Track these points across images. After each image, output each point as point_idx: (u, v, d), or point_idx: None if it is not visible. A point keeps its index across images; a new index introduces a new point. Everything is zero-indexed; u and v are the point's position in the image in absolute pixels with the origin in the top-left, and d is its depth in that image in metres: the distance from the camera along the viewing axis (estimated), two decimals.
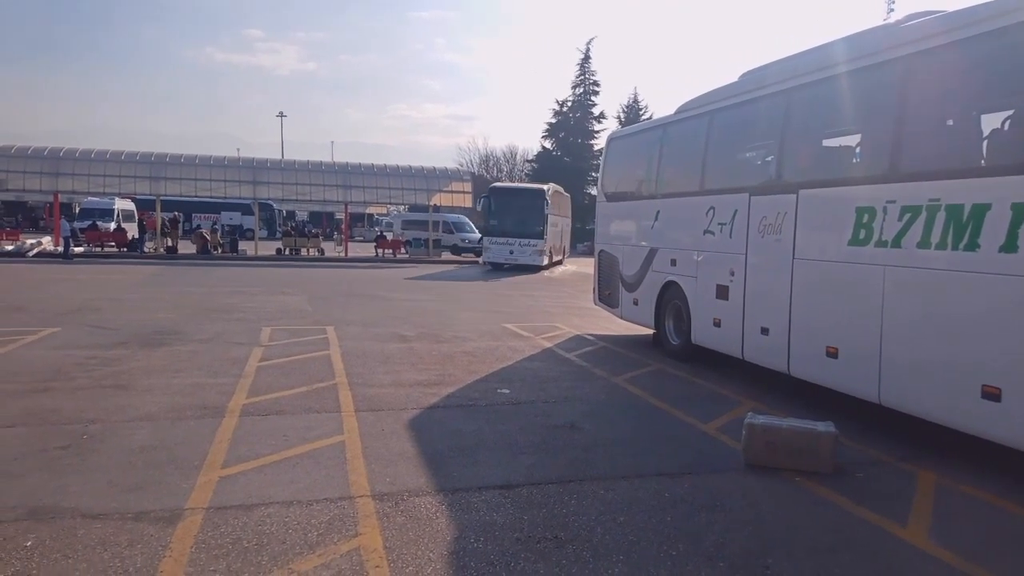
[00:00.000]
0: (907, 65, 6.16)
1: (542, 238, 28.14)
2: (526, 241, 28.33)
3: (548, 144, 55.86)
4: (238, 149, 72.41)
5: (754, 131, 8.63)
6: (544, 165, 54.39)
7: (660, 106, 66.28)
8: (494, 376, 8.58)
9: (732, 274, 8.37)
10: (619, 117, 56.40)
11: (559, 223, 32.21)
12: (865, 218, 6.33)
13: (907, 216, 5.89)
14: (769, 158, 8.26)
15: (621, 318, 11.89)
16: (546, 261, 29.03)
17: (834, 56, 7.19)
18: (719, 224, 8.68)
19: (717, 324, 8.73)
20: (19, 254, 28.48)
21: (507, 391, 7.83)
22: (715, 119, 9.16)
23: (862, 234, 6.37)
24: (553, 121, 55.41)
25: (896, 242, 6.00)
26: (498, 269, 28.68)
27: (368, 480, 4.96)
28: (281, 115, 74.13)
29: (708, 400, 7.81)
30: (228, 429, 6.04)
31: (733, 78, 9.25)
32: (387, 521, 4.32)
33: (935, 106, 6.12)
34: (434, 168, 36.08)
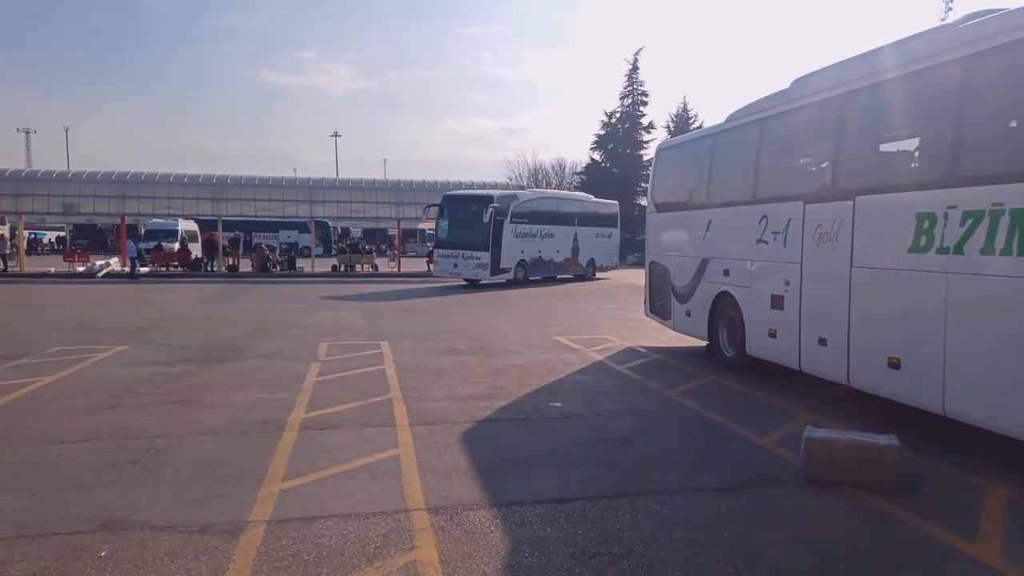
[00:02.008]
0: (967, 66, 5.98)
1: (486, 250, 25.11)
2: (469, 253, 25.62)
3: (597, 156, 55.78)
4: (295, 169, 74.39)
5: (808, 138, 8.48)
6: (593, 177, 54.28)
7: (710, 115, 65.43)
8: (546, 389, 8.60)
9: (787, 283, 8.21)
10: (668, 127, 55.97)
11: (572, 234, 29.39)
12: (925, 224, 6.14)
13: (969, 222, 5.70)
14: (824, 165, 8.10)
15: (673, 330, 11.77)
16: (494, 276, 25.55)
17: (890, 59, 7.02)
18: (773, 233, 8.53)
19: (772, 335, 8.57)
20: (89, 275, 29.75)
21: (559, 404, 7.84)
22: (767, 126, 9.04)
23: (923, 241, 6.18)
24: (602, 132, 55.33)
25: (958, 248, 5.80)
26: (544, 281, 28.27)
27: (423, 493, 5.03)
28: (335, 134, 76.13)
29: (764, 413, 7.66)
30: (288, 443, 6.20)
31: (784, 85, 9.12)
32: (442, 535, 4.36)
33: (997, 107, 5.92)
34: (483, 183, 36.44)
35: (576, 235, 29.74)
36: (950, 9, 34.89)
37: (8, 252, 33.02)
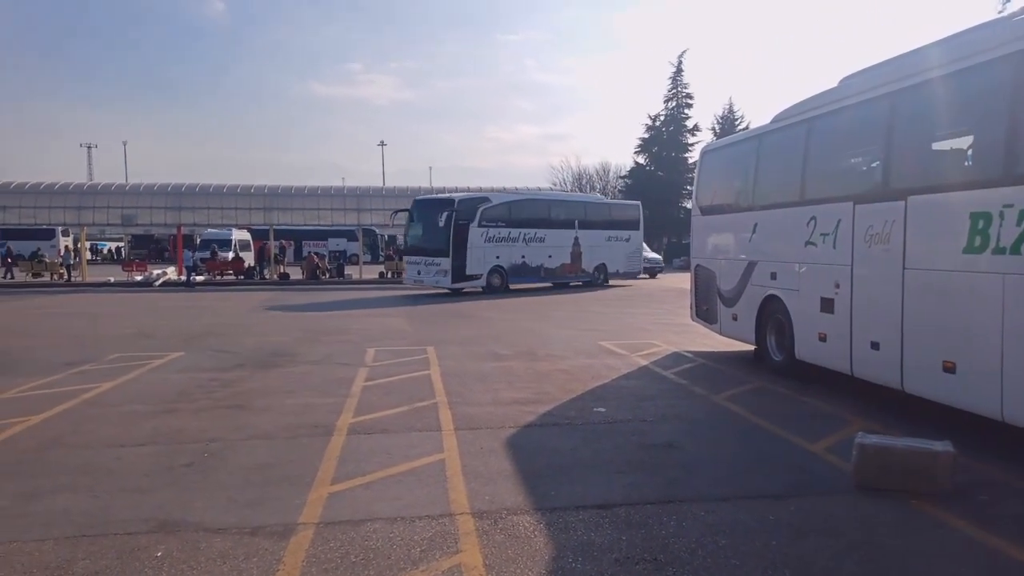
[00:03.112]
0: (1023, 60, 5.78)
1: (446, 256, 23.73)
2: (430, 260, 24.37)
3: (641, 159, 55.43)
4: (343, 179, 75.86)
5: (857, 137, 8.28)
6: (638, 180, 53.96)
7: (757, 116, 64.37)
8: (590, 394, 8.58)
9: (837, 286, 8.03)
10: (714, 129, 55.27)
11: (571, 237, 27.38)
12: (980, 224, 5.95)
13: None
14: (874, 164, 7.90)
15: (720, 334, 11.61)
16: (457, 284, 24.11)
17: (943, 55, 6.83)
18: (821, 235, 8.36)
19: (822, 339, 8.39)
20: (147, 284, 30.79)
21: (603, 410, 7.81)
22: (815, 126, 8.87)
23: (977, 241, 5.99)
24: (646, 136, 54.96)
25: (1015, 248, 5.60)
26: (586, 287, 27.78)
27: (468, 498, 5.07)
28: (382, 144, 77.16)
29: (814, 419, 7.50)
30: (337, 447, 6.33)
31: (832, 84, 8.93)
32: (487, 539, 4.40)
33: None
34: (526, 187, 36.54)
35: (577, 239, 27.51)
36: (1008, 1, 33.68)
37: (72, 262, 34.42)
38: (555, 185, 64.28)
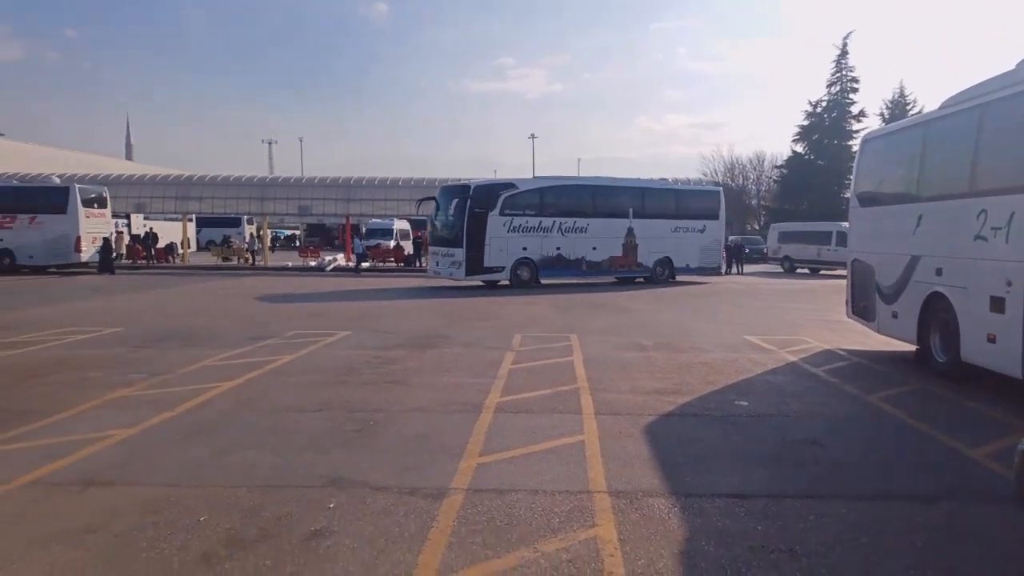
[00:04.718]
0: None
1: (459, 246, 22.25)
2: (446, 251, 23.00)
3: (799, 147, 52.37)
4: (495, 171, 77.86)
5: None
6: (794, 170, 51.14)
7: (932, 99, 58.76)
8: (732, 388, 8.52)
9: (1009, 284, 7.44)
10: (882, 114, 50.98)
11: (625, 227, 24.71)
12: None
13: None
14: None
15: (878, 332, 11.01)
16: (472, 276, 22.56)
17: None
18: (993, 228, 7.76)
19: (992, 340, 7.80)
20: (319, 269, 33.59)
21: (745, 403, 7.76)
22: (988, 112, 8.20)
23: None
24: (805, 123, 51.79)
25: None
26: (726, 274, 26.67)
27: (605, 478, 5.32)
28: (532, 136, 78.31)
29: (977, 423, 7.04)
30: (485, 423, 6.80)
31: (1008, 67, 8.21)
32: (622, 516, 4.63)
33: None
34: (675, 178, 35.84)
35: (631, 229, 24.72)
36: None
37: (256, 248, 38.21)
38: (705, 175, 62.36)
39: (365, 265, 33.83)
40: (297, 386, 8.42)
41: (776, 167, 59.26)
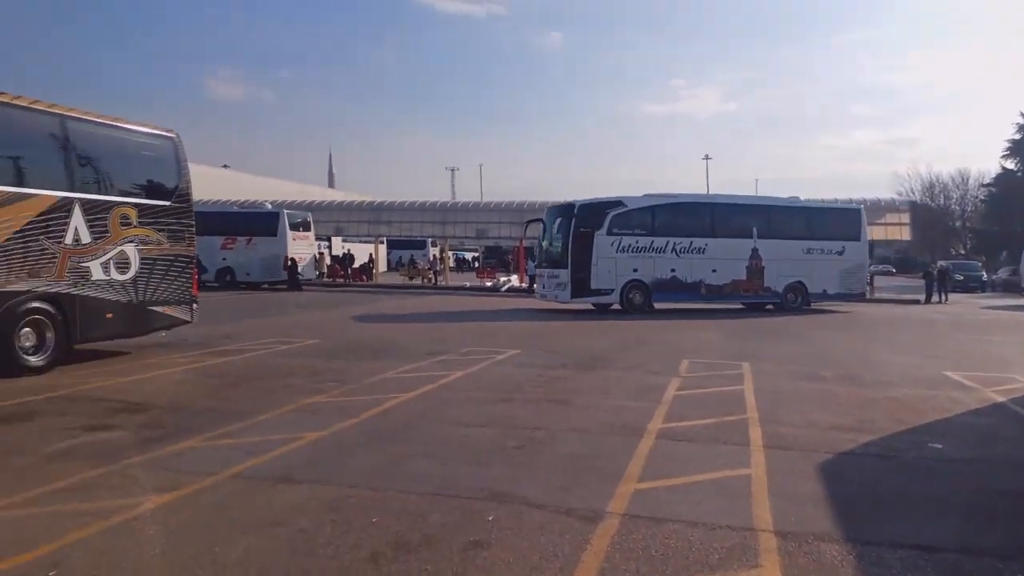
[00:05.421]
0: None
1: (564, 267, 21.52)
2: (552, 272, 22.24)
3: (1010, 164, 46.65)
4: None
5: None
6: (1005, 188, 45.61)
7: None
8: (925, 428, 7.71)
9: None
10: None
11: (749, 248, 22.76)
12: None
13: None
14: None
15: None
16: (578, 298, 21.72)
17: None
18: None
19: None
20: (495, 289, 34.97)
21: (939, 446, 6.99)
22: None
23: None
24: (1017, 137, 46.04)
25: None
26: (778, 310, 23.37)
27: (772, 515, 5.02)
28: (706, 157, 76.05)
29: None
30: (645, 448, 6.70)
31: None
32: (788, 559, 4.35)
33: None
34: (864, 199, 33.15)
35: (756, 250, 22.84)
36: None
37: (438, 268, 40.54)
38: (900, 194, 57.04)
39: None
40: (466, 401, 8.79)
41: (983, 185, 53.24)
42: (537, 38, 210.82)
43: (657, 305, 22.48)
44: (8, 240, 9.95)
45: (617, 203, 22.16)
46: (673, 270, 22.24)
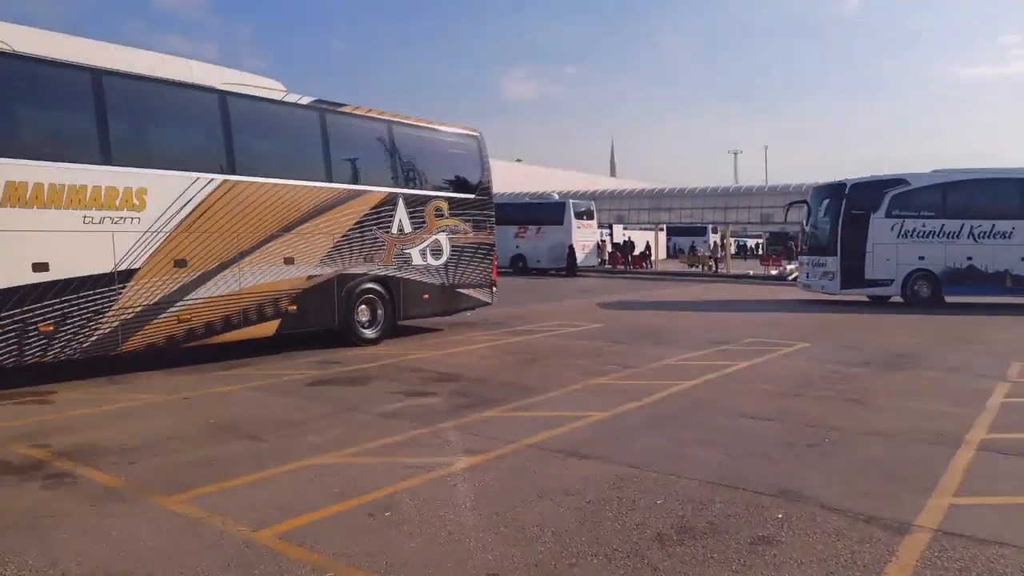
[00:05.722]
0: None
1: (832, 254, 19.15)
2: (816, 259, 19.98)
3: None
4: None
5: None
6: None
7: None
8: None
9: None
10: None
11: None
12: None
13: None
14: None
15: None
16: (848, 290, 19.04)
17: None
18: None
19: None
20: (781, 278, 32.88)
21: None
22: None
23: None
24: None
25: None
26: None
27: None
28: None
29: None
30: (963, 460, 5.94)
31: None
32: None
33: None
34: None
35: None
36: None
37: (719, 256, 39.38)
38: None
39: None
40: (751, 392, 8.53)
41: None
42: (835, 5, 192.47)
43: (948, 299, 19.39)
44: (349, 230, 11.90)
45: (899, 181, 19.42)
46: (970, 258, 18.99)
